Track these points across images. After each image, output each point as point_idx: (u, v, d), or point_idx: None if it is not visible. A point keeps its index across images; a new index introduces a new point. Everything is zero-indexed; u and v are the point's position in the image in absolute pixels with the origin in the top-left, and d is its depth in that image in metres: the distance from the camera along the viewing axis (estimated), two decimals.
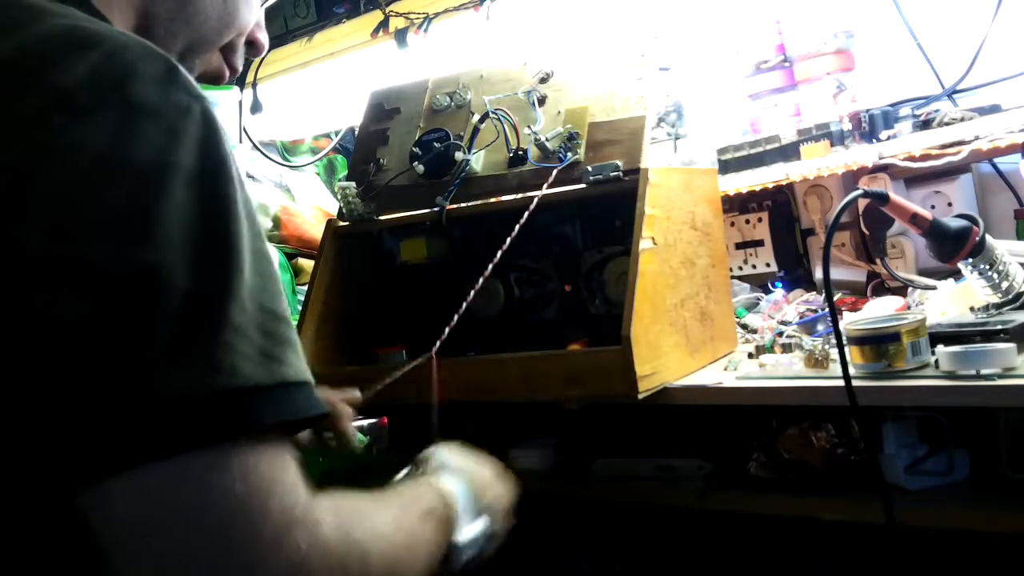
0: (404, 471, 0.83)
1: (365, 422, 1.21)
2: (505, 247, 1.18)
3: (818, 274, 1.62)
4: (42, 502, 0.55)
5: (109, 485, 0.52)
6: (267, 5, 0.88)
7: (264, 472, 0.54)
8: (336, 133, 2.18)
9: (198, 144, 0.58)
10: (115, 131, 0.55)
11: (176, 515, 0.52)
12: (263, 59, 2.03)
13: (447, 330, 1.14)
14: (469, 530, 0.78)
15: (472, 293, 1.16)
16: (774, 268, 1.66)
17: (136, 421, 0.51)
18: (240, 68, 0.86)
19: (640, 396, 1.11)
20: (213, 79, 0.84)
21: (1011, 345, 0.98)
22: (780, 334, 1.29)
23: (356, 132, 1.61)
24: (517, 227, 1.18)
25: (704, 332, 1.29)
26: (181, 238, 0.55)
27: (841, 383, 0.98)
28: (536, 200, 1.23)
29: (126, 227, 0.54)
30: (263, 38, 0.87)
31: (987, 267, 1.14)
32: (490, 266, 1.18)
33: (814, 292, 1.53)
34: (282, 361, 0.57)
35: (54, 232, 0.53)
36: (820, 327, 1.33)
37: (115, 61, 0.58)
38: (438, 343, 1.14)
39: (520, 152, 1.31)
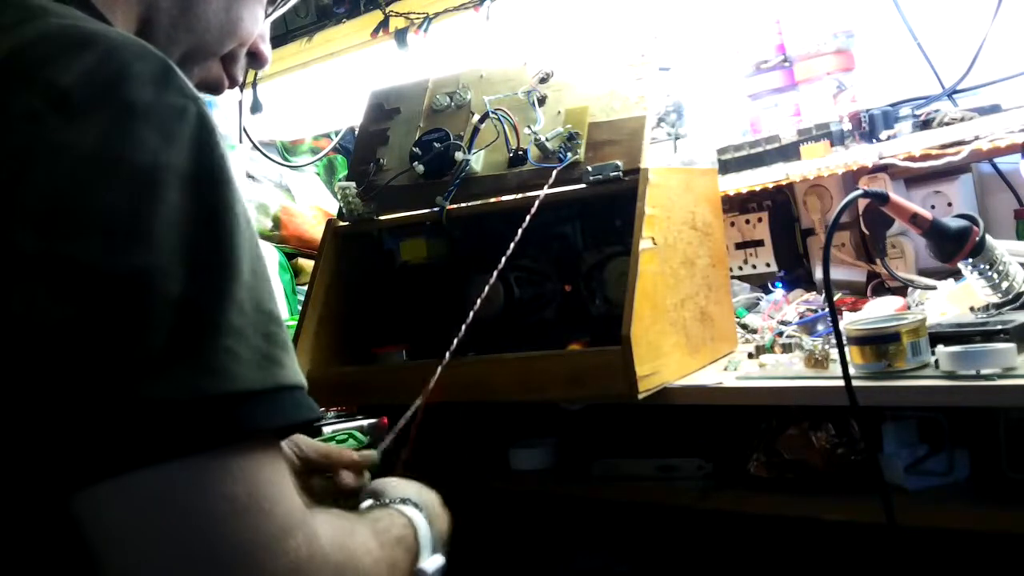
0: (367, 502, 0.83)
1: (365, 422, 1.21)
2: (509, 252, 1.18)
3: (818, 274, 1.62)
4: (36, 507, 0.54)
5: (102, 489, 0.51)
6: (272, 18, 0.87)
7: (265, 477, 0.54)
8: (336, 133, 2.18)
9: (192, 145, 0.57)
10: (108, 131, 0.55)
11: (176, 520, 0.52)
12: None
13: (455, 341, 1.13)
14: (432, 561, 0.78)
15: (478, 301, 1.15)
16: (774, 268, 1.66)
17: (127, 425, 0.51)
18: (240, 80, 0.85)
19: (640, 396, 1.11)
20: (212, 88, 0.83)
21: (1011, 345, 0.98)
22: (780, 334, 1.29)
23: (356, 132, 1.61)
24: (520, 232, 1.18)
25: (704, 332, 1.29)
26: (175, 241, 0.54)
27: (841, 383, 0.98)
28: (539, 200, 1.23)
29: (118, 229, 0.54)
30: (266, 51, 0.86)
31: (987, 267, 1.14)
32: (495, 273, 1.17)
33: (814, 292, 1.53)
34: (279, 364, 0.57)
35: (46, 232, 0.53)
36: (820, 327, 1.33)
37: (111, 60, 0.57)
38: (448, 355, 1.13)
39: (520, 152, 1.31)
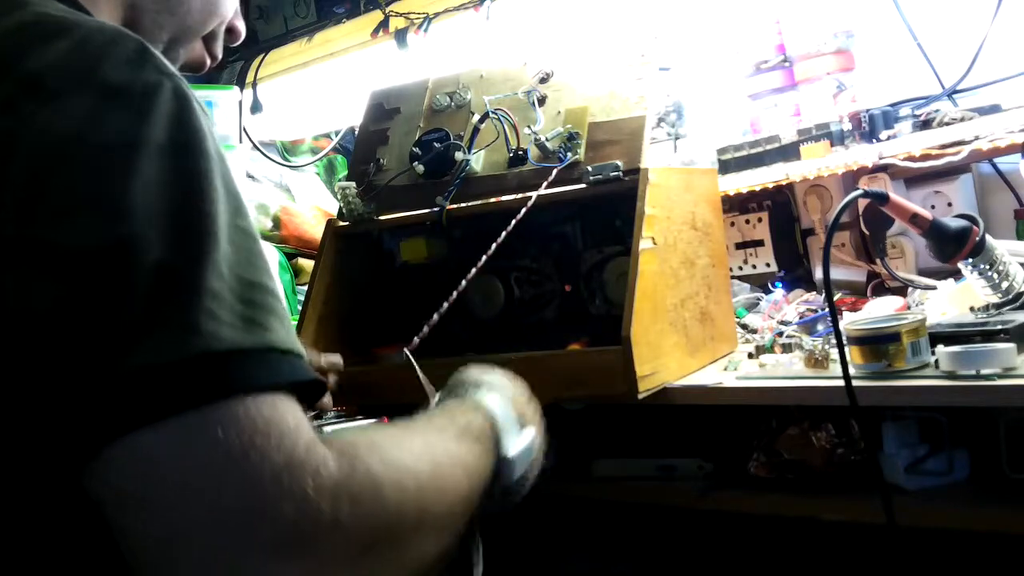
0: (437, 397, 0.81)
1: (365, 422, 1.21)
2: (500, 240, 1.17)
3: (818, 274, 1.62)
4: (48, 484, 0.55)
5: (103, 457, 0.51)
6: None
7: (258, 420, 0.53)
8: (336, 133, 2.18)
9: (168, 118, 0.58)
10: (83, 113, 0.56)
11: (175, 476, 0.51)
12: (263, 59, 2.03)
13: (432, 320, 1.11)
14: (518, 443, 0.76)
15: (463, 282, 1.14)
16: (774, 268, 1.66)
17: (118, 392, 0.51)
18: (220, 56, 0.89)
19: (640, 396, 1.11)
20: (196, 67, 0.86)
21: (1011, 345, 0.98)
22: (780, 334, 1.29)
23: (356, 132, 1.61)
24: (513, 222, 1.18)
25: (704, 332, 1.29)
26: (152, 210, 0.55)
27: (841, 383, 0.98)
28: (534, 198, 1.23)
29: (95, 206, 0.54)
30: (241, 26, 0.90)
31: (987, 267, 1.14)
32: (483, 258, 1.17)
33: (814, 292, 1.53)
34: (266, 328, 0.57)
35: (25, 217, 0.54)
36: (820, 327, 1.33)
37: (87, 46, 0.59)
38: (419, 337, 1.11)
39: (520, 152, 1.31)
